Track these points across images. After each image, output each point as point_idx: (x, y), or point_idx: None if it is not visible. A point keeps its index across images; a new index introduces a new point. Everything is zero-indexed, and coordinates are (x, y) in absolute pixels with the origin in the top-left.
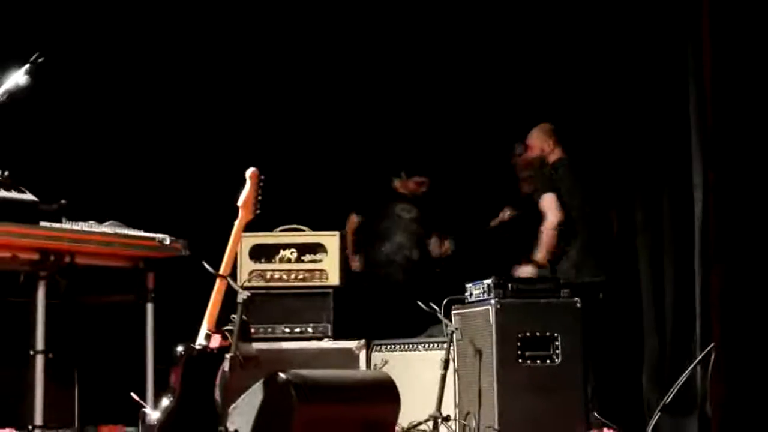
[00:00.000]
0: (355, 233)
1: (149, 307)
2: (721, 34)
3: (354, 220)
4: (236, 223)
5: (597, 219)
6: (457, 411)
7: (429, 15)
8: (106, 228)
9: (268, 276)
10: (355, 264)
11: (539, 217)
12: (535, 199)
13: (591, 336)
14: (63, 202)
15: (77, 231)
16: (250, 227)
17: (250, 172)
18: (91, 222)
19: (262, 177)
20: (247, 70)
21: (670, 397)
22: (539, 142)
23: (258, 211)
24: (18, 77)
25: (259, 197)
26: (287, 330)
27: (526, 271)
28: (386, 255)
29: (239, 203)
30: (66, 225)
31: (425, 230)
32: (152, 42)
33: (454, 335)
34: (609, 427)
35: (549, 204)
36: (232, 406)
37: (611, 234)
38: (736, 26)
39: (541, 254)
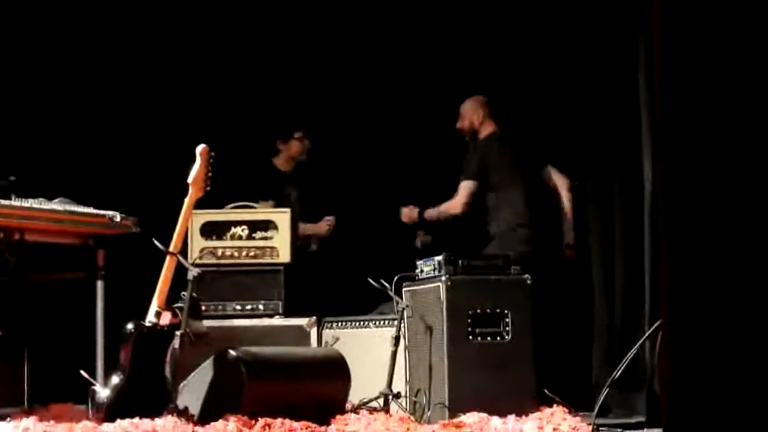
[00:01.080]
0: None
1: (99, 284)
2: (671, 26)
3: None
4: (186, 200)
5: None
6: (407, 388)
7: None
8: (56, 205)
9: (219, 253)
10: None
11: None
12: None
13: (541, 312)
14: (12, 178)
15: (26, 208)
16: (200, 204)
17: (200, 148)
18: (40, 199)
19: (213, 154)
20: (196, 45)
21: (619, 372)
22: (469, 113)
23: (208, 188)
24: None
25: (210, 174)
26: (238, 307)
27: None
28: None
29: (189, 180)
30: (15, 202)
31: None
32: (102, 16)
33: (405, 312)
34: (559, 404)
35: (461, 193)
36: (182, 384)
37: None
38: (687, 19)
39: (430, 211)
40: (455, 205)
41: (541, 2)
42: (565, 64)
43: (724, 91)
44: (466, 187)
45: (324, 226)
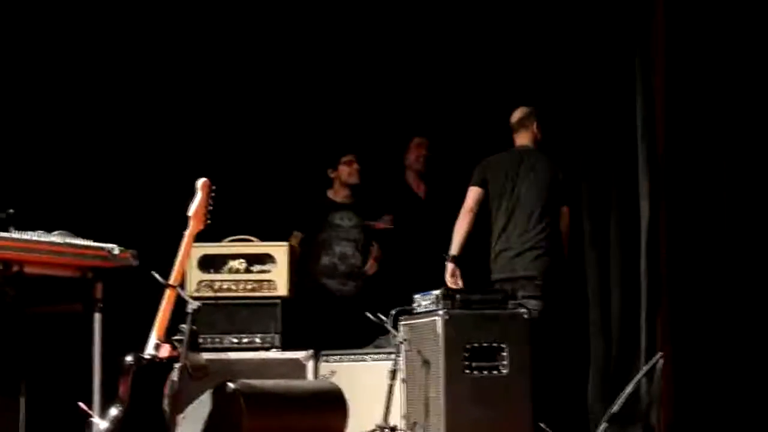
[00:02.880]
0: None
1: (97, 316)
2: (674, 50)
3: (295, 237)
4: (186, 233)
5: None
6: (404, 421)
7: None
8: (55, 238)
9: (217, 286)
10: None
11: None
12: None
13: (537, 346)
14: (11, 211)
15: (25, 240)
16: (198, 238)
17: (200, 182)
18: (39, 231)
19: (213, 187)
20: (198, 81)
21: (617, 407)
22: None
23: (208, 222)
24: None
25: (210, 207)
26: (235, 340)
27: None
28: (326, 266)
29: (190, 213)
30: (14, 234)
31: (366, 236)
32: (101, 51)
33: (402, 346)
34: None
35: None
36: (180, 416)
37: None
38: (689, 43)
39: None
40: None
41: (536, 26)
42: (559, 71)
43: (726, 119)
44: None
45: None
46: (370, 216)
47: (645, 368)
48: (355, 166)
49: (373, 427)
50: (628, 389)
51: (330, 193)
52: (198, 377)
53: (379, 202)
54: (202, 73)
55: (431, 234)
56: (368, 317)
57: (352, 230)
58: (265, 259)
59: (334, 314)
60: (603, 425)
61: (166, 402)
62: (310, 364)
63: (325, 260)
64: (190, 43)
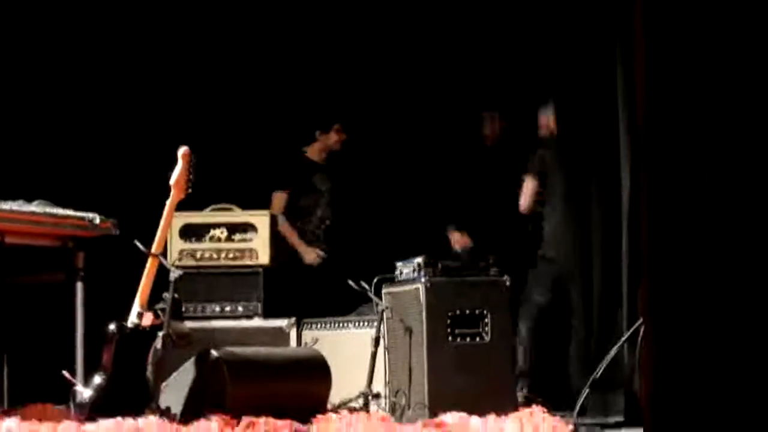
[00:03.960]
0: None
1: (79, 286)
2: (653, 26)
3: (280, 199)
4: (168, 201)
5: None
6: (387, 388)
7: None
8: (35, 207)
9: (199, 255)
10: (311, 255)
11: None
12: None
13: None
14: None
15: (6, 210)
16: (180, 206)
17: (182, 151)
18: (19, 201)
19: (194, 156)
20: (179, 48)
21: (599, 373)
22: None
23: (190, 190)
24: None
25: (191, 176)
26: (217, 309)
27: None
28: (311, 231)
29: (171, 182)
30: None
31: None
32: (82, 17)
33: (385, 313)
34: (537, 404)
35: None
36: (163, 384)
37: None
38: (669, 22)
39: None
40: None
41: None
42: (542, 64)
43: (707, 95)
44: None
45: (312, 255)
46: (341, 178)
47: (626, 334)
48: (344, 136)
49: (356, 394)
50: (610, 355)
51: (309, 152)
52: (181, 345)
53: (350, 165)
54: (183, 40)
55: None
56: (350, 285)
57: (327, 193)
58: (247, 227)
59: (316, 282)
60: (585, 391)
61: (149, 370)
62: (292, 332)
63: (309, 226)
64: (170, 11)
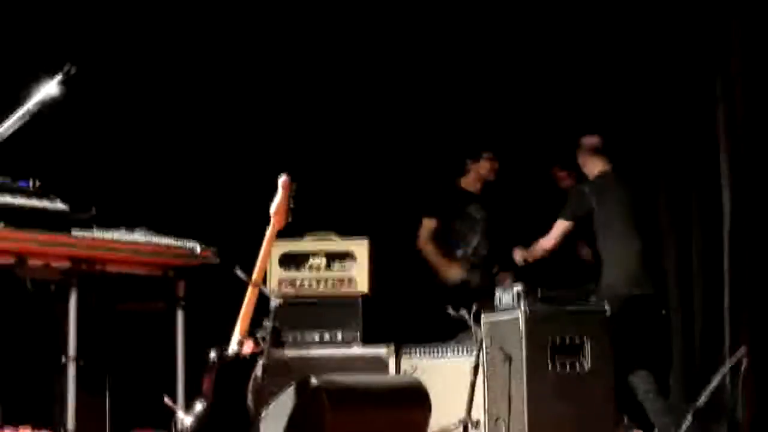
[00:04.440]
0: (434, 238)
1: (180, 314)
2: (752, 36)
3: (429, 224)
4: (268, 230)
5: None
6: (486, 417)
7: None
8: (137, 236)
9: (298, 284)
10: (455, 270)
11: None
12: None
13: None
14: (93, 210)
15: (108, 239)
16: (279, 234)
17: (282, 179)
18: (121, 230)
19: (295, 185)
20: (279, 75)
21: (702, 402)
22: (581, 163)
23: (290, 219)
24: (50, 87)
25: (292, 205)
26: (317, 337)
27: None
28: (463, 257)
29: (271, 211)
30: (97, 233)
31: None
32: (181, 48)
33: (484, 342)
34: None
35: (555, 228)
36: (264, 412)
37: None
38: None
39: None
40: (550, 239)
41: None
42: (644, 75)
43: None
44: (562, 225)
45: (455, 271)
46: (496, 209)
47: (729, 362)
48: (496, 164)
49: (455, 422)
50: (713, 383)
51: (463, 183)
52: (281, 373)
53: (504, 196)
54: (285, 66)
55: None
56: (449, 313)
57: (482, 222)
58: (346, 256)
59: (415, 309)
60: (688, 419)
61: (249, 398)
62: (391, 360)
63: (460, 252)
64: (269, 40)
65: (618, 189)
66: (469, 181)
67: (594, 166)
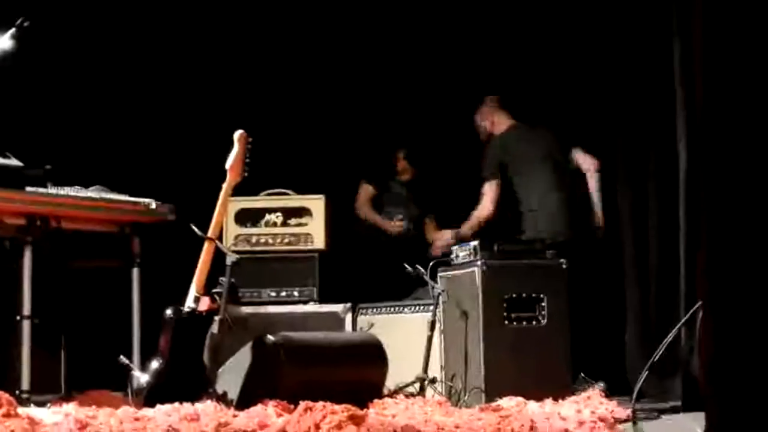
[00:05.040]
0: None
1: (135, 271)
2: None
3: (366, 189)
4: (224, 185)
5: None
6: (443, 373)
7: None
8: (92, 193)
9: (254, 240)
10: (395, 225)
11: None
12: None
13: (574, 296)
14: (48, 167)
15: (63, 195)
16: (235, 192)
17: (238, 134)
18: (76, 187)
19: (250, 139)
20: (235, 32)
21: (657, 356)
22: (482, 122)
23: (246, 174)
24: (3, 41)
25: (247, 160)
26: (273, 294)
27: (445, 237)
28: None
29: (227, 166)
30: (52, 190)
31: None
32: (136, 3)
33: (441, 297)
34: (595, 385)
35: (485, 194)
36: (220, 369)
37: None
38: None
39: (464, 228)
40: (484, 207)
41: None
42: (596, 39)
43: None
44: (489, 187)
45: (395, 226)
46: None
47: (684, 317)
48: (405, 164)
49: (412, 378)
50: (668, 339)
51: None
52: (237, 330)
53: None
54: (239, 24)
55: None
56: (406, 269)
57: (408, 204)
58: (302, 212)
59: (371, 266)
60: (643, 374)
61: (206, 354)
62: (348, 317)
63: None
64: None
65: (528, 140)
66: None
67: (501, 123)
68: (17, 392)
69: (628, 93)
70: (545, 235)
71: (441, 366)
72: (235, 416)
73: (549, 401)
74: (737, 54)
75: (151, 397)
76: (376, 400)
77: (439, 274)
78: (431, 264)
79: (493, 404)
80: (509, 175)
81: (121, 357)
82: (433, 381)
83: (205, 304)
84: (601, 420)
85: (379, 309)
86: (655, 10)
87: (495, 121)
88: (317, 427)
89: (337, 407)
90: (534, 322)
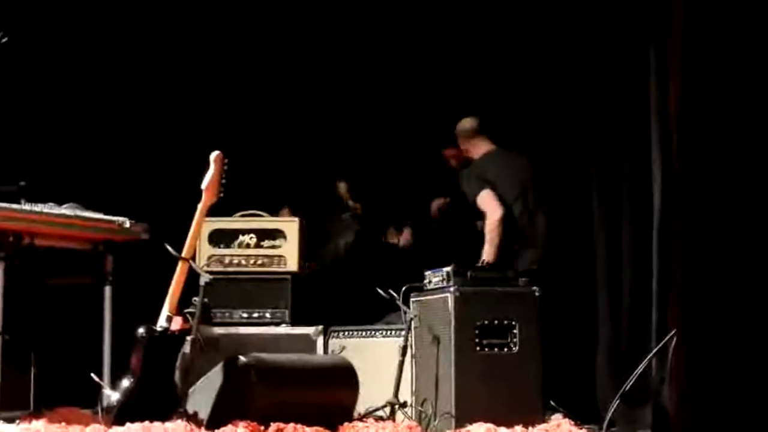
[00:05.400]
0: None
1: (107, 289)
2: (691, 31)
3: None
4: (199, 206)
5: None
6: (414, 397)
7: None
8: (66, 210)
9: (227, 261)
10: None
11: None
12: (470, 201)
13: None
14: (22, 183)
15: (36, 212)
16: (209, 213)
17: (214, 155)
18: (50, 204)
19: (227, 161)
20: (214, 53)
21: (628, 386)
22: (462, 146)
23: (221, 194)
24: None
25: (223, 180)
26: (245, 315)
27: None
28: (334, 253)
29: (203, 186)
30: (25, 206)
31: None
32: (116, 23)
33: (413, 322)
34: (565, 415)
35: (486, 201)
36: (191, 388)
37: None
38: (708, 31)
39: (488, 254)
40: (495, 211)
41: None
42: (571, 50)
43: (741, 89)
44: (488, 194)
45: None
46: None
47: (657, 347)
48: (345, 194)
49: (383, 402)
50: (640, 368)
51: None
52: (209, 350)
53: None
54: (219, 45)
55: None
56: (379, 293)
57: (353, 222)
58: (276, 234)
59: (344, 290)
60: (614, 404)
61: (177, 374)
62: (319, 340)
63: (330, 248)
64: (207, 17)
65: (505, 165)
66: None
67: (477, 148)
68: None
69: (602, 129)
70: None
71: (412, 391)
72: None
73: (519, 428)
74: (712, 88)
75: (122, 415)
76: (346, 423)
77: (412, 299)
78: (404, 288)
79: (463, 430)
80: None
81: (93, 375)
82: (403, 405)
83: (177, 323)
84: None
85: (351, 332)
86: (634, 48)
87: (472, 146)
88: None
89: (307, 429)
90: (505, 349)
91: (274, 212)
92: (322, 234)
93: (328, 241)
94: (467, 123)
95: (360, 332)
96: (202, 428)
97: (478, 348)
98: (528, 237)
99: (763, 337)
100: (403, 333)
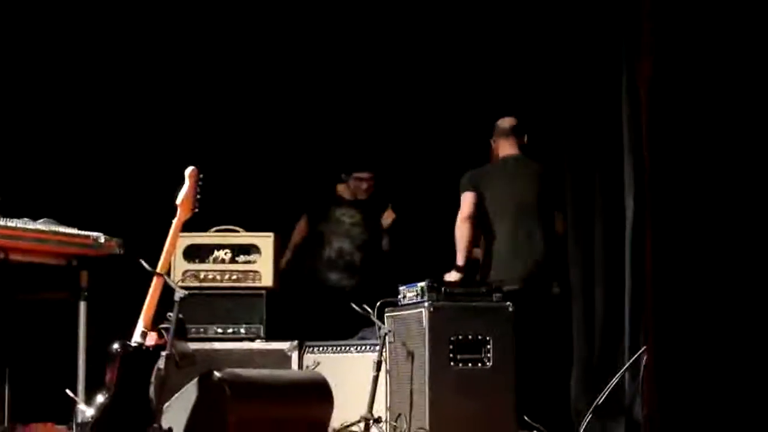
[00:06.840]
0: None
1: (82, 305)
2: (660, 48)
3: (302, 222)
4: (174, 221)
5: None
6: (388, 413)
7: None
8: (41, 225)
9: (202, 276)
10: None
11: None
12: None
13: (521, 338)
14: None
15: (11, 227)
16: (184, 227)
17: (189, 170)
18: (25, 219)
19: (201, 176)
20: (188, 68)
21: (601, 400)
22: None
23: (196, 210)
24: None
25: (198, 196)
26: (219, 330)
27: (452, 276)
28: (326, 259)
29: (178, 201)
30: (0, 221)
31: (370, 234)
32: (88, 37)
33: (387, 337)
34: (538, 430)
35: (462, 201)
36: (166, 404)
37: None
38: (679, 35)
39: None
40: (458, 215)
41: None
42: (542, 63)
43: (711, 109)
44: (464, 196)
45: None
46: (375, 214)
47: (629, 362)
48: (365, 185)
49: (357, 418)
50: (612, 382)
51: (339, 188)
52: (184, 366)
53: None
54: (192, 61)
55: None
56: (353, 308)
57: (354, 228)
58: (251, 249)
59: (320, 305)
60: (587, 418)
61: (152, 390)
62: (294, 355)
63: (324, 253)
64: (179, 32)
65: (511, 176)
66: (343, 189)
67: (501, 149)
68: None
69: (576, 143)
70: (503, 276)
71: (386, 406)
72: None
73: None
74: (684, 105)
75: (96, 431)
76: None
77: (386, 314)
78: (378, 303)
79: None
80: (485, 208)
81: (67, 390)
82: (377, 421)
83: (152, 339)
84: None
85: (325, 348)
86: (605, 63)
87: (498, 145)
88: None
89: None
90: (479, 364)
91: (249, 228)
92: (316, 235)
93: (321, 244)
94: (504, 122)
95: (334, 347)
96: None
97: (452, 363)
98: (515, 255)
99: (735, 350)
100: (377, 348)
